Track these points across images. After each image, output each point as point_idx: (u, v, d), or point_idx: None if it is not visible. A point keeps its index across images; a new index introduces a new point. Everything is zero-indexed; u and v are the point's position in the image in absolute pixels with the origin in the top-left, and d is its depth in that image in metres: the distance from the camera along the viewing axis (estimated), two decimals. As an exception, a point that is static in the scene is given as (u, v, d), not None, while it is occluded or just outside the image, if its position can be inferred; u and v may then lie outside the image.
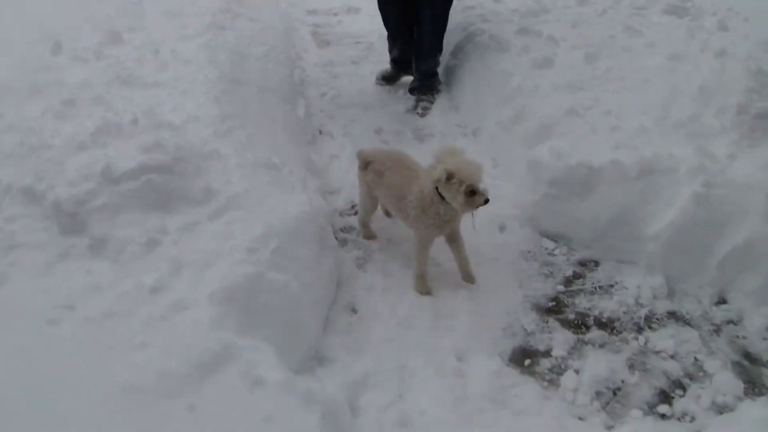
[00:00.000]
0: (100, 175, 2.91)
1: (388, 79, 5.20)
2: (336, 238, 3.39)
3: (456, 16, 5.24)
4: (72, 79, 3.81)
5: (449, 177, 2.79)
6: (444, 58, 5.10)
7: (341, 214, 3.68)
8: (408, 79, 5.16)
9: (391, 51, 5.11)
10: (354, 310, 2.99)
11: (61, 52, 4.15)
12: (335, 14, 6.79)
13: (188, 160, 3.10)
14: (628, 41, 4.54)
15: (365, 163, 3.29)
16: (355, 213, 3.66)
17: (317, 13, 6.83)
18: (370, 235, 3.51)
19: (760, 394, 2.63)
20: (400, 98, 4.92)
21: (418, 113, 4.83)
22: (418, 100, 4.95)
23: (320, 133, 4.49)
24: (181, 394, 2.11)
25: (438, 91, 5.00)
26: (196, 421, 2.04)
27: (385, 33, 5.13)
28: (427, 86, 4.98)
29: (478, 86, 4.61)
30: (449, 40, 5.06)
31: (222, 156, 3.22)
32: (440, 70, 5.04)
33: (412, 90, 5.02)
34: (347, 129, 4.53)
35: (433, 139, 4.45)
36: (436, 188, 2.89)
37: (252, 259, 2.65)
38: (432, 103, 4.92)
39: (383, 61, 5.29)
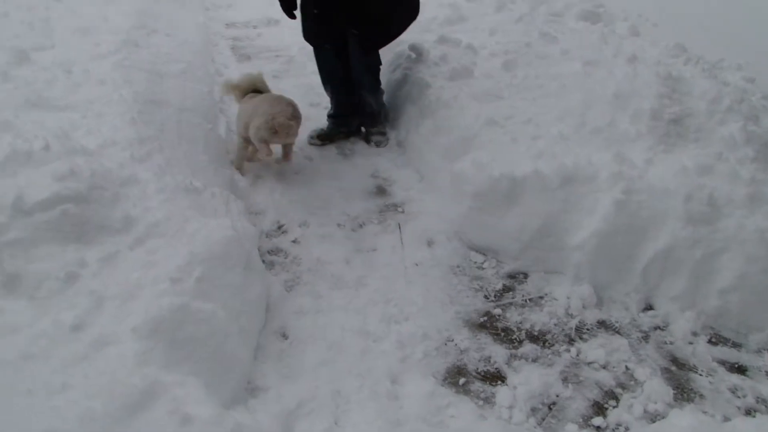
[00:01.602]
0: (10, 207, 2.76)
1: (324, 138, 4.65)
2: (263, 261, 3.32)
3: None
4: (-24, 103, 3.62)
5: None
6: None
7: (267, 236, 3.60)
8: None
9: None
10: (285, 336, 2.92)
11: (-39, 75, 3.95)
12: (254, 27, 6.69)
13: (105, 187, 2.98)
14: (544, 48, 4.63)
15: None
16: (283, 233, 3.62)
17: (236, 26, 6.71)
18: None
19: (689, 399, 2.70)
20: (322, 113, 4.86)
21: (371, 144, 4.59)
22: (368, 134, 4.65)
23: (242, 151, 4.40)
24: (106, 438, 2.02)
25: (383, 122, 4.68)
26: (123, 465, 1.96)
27: (305, 46, 4.71)
28: (372, 121, 4.64)
29: (400, 98, 4.62)
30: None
31: (141, 181, 3.12)
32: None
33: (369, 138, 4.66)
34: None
35: (355, 155, 4.43)
36: None
37: (176, 289, 2.55)
38: (384, 134, 4.63)
39: (304, 74, 5.26)
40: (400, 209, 3.87)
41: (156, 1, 5.90)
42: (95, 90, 3.91)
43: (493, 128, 3.81)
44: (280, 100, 3.92)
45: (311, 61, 5.24)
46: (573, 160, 3.46)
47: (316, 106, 4.94)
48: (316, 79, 4.77)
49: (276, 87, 5.13)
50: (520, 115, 3.91)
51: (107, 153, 3.29)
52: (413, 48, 4.70)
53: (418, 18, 5.05)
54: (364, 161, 4.35)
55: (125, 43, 4.57)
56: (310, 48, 4.56)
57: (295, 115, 3.85)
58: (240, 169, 4.06)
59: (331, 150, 4.48)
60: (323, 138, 4.63)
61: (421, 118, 4.23)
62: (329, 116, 4.67)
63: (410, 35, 4.92)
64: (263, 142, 3.80)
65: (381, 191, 4.05)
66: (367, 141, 4.63)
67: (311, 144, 4.59)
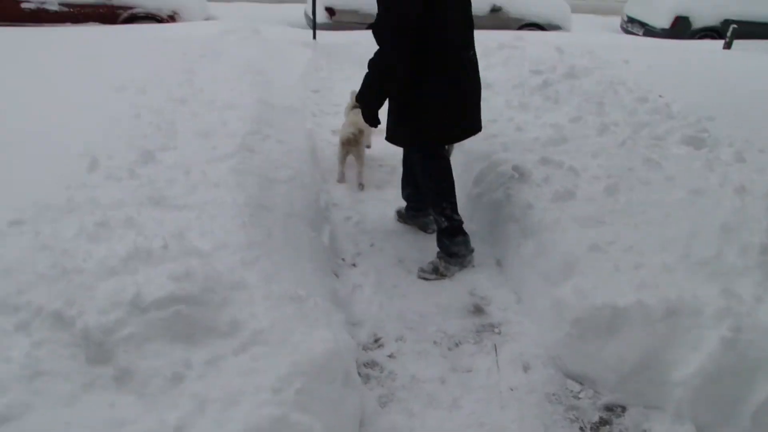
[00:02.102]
0: (129, 303, 2.93)
1: (402, 217, 5.11)
2: (359, 373, 3.36)
3: (479, 144, 5.38)
4: (106, 198, 3.86)
5: None
6: (467, 187, 5.18)
7: (364, 348, 3.65)
8: None
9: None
10: (376, 454, 2.93)
11: (96, 170, 4.21)
12: (359, 134, 6.88)
13: (215, 290, 3.12)
14: (647, 173, 4.61)
15: None
16: (379, 347, 3.67)
17: (341, 132, 6.95)
18: None
19: None
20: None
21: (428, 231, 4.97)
22: (428, 226, 4.97)
23: (343, 260, 4.52)
24: None
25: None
26: None
27: None
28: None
29: (501, 217, 4.66)
30: (473, 167, 5.17)
31: (248, 286, 3.24)
32: (463, 199, 4.87)
33: (426, 225, 5.01)
34: (370, 256, 4.57)
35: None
36: None
37: (276, 399, 2.61)
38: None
39: None
40: (496, 330, 3.86)
41: (271, 107, 6.20)
42: (210, 192, 4.12)
43: (595, 254, 3.79)
44: (352, 124, 5.62)
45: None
46: (677, 293, 3.40)
47: (417, 218, 5.06)
48: (418, 190, 4.90)
49: (378, 197, 5.32)
50: (623, 242, 3.89)
51: (219, 255, 3.44)
52: (516, 168, 4.78)
53: (521, 137, 5.17)
54: (461, 276, 4.39)
55: (240, 148, 4.82)
56: None
57: (355, 134, 5.58)
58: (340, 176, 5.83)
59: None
60: (400, 215, 5.12)
61: (523, 238, 4.25)
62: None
63: (513, 155, 5.03)
64: (341, 147, 5.69)
65: (478, 310, 4.06)
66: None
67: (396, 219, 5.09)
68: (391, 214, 5.15)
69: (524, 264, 4.14)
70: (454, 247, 4.43)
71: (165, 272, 3.12)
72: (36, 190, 3.89)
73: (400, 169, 5.75)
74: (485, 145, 5.38)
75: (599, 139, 5.33)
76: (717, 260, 3.61)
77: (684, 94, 6.19)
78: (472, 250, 4.52)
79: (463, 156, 5.57)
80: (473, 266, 4.53)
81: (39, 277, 3.14)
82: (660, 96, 6.18)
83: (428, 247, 4.70)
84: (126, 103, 5.50)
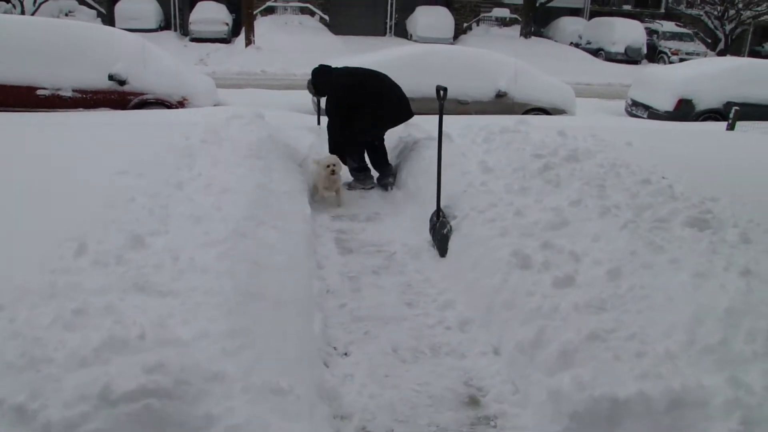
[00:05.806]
0: (96, 396, 2.79)
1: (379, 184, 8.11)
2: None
3: (477, 228, 5.31)
4: (90, 284, 3.75)
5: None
6: (464, 272, 5.10)
7: (351, 444, 3.46)
8: None
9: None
10: None
11: (84, 254, 4.10)
12: (359, 221, 6.86)
13: (191, 382, 2.97)
14: (650, 257, 4.48)
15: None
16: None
17: (342, 218, 6.92)
18: None
19: None
20: (420, 313, 4.83)
21: (389, 190, 7.90)
22: (388, 185, 7.98)
23: (335, 349, 4.35)
24: None
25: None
26: None
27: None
28: (393, 180, 8.03)
29: (499, 303, 4.51)
30: (470, 252, 5.08)
31: (227, 378, 3.09)
32: (461, 285, 4.97)
33: (387, 185, 7.97)
34: (363, 345, 4.40)
35: (447, 357, 4.30)
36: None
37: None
38: (393, 182, 8.01)
39: (404, 272, 5.41)
40: (492, 423, 3.66)
41: (270, 192, 6.13)
42: (197, 278, 4.00)
43: (594, 343, 3.63)
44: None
45: (412, 259, 5.61)
46: (681, 382, 3.23)
47: (412, 306, 4.93)
48: (416, 276, 4.86)
49: (374, 283, 5.22)
50: (624, 330, 3.73)
51: (199, 345, 3.30)
52: (515, 254, 4.66)
53: (520, 222, 5.09)
54: (456, 364, 4.21)
55: (233, 233, 4.72)
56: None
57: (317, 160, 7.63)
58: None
59: (424, 352, 4.37)
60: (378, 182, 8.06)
61: (520, 326, 4.08)
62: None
63: (512, 239, 4.92)
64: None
65: (473, 402, 3.86)
66: (386, 187, 7.99)
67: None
68: (388, 300, 5.03)
69: (522, 353, 3.94)
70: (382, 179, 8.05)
71: (138, 363, 2.98)
72: (20, 274, 3.78)
73: (397, 257, 5.79)
74: (484, 230, 5.28)
75: (600, 222, 5.21)
76: (723, 347, 3.46)
77: (687, 175, 6.11)
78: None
79: (461, 240, 5.47)
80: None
81: (6, 367, 2.99)
82: (663, 177, 6.08)
83: (424, 335, 4.55)
84: (123, 186, 5.45)
